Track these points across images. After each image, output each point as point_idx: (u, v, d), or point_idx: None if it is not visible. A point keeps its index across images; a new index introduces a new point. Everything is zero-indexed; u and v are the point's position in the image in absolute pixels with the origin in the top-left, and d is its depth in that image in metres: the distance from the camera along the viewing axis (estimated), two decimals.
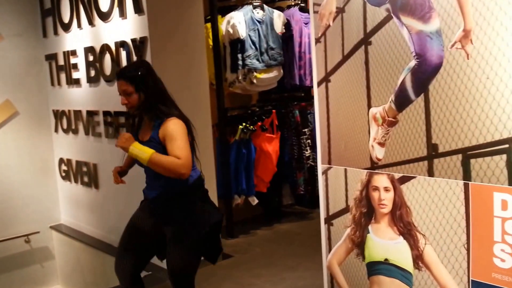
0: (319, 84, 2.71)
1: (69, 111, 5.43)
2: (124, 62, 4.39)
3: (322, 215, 2.88)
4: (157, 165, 2.68)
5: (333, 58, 2.59)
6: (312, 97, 2.81)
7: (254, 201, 5.34)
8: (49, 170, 5.98)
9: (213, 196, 4.79)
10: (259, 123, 5.23)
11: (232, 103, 5.41)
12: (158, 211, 2.94)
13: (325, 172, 2.79)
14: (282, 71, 5.21)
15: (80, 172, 5.47)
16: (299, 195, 5.75)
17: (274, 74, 5.13)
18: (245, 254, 4.85)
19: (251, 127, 5.13)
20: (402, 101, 2.29)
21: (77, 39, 5.05)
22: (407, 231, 2.44)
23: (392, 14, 2.28)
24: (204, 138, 4.61)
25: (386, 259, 2.56)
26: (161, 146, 2.77)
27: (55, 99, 5.71)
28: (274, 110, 5.35)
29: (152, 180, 2.94)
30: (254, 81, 4.98)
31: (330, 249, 2.88)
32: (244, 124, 5.10)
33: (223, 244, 4.94)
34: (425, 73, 2.17)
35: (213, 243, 3.11)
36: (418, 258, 2.41)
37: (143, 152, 2.69)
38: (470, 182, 2.10)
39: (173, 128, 2.76)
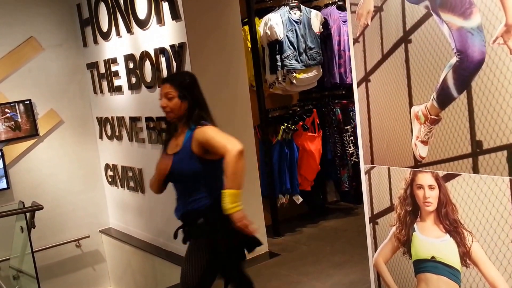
0: (359, 84, 2.74)
1: (112, 118, 5.60)
2: (164, 68, 4.50)
3: (367, 214, 2.91)
4: (236, 179, 2.68)
5: (373, 58, 2.61)
6: (353, 94, 2.84)
7: (299, 199, 5.39)
8: (96, 176, 6.17)
9: (258, 196, 4.87)
10: (301, 123, 5.28)
11: (273, 104, 5.48)
12: (184, 231, 2.99)
13: (368, 172, 2.82)
14: (321, 70, 5.24)
15: (126, 177, 5.63)
16: (344, 191, 5.77)
17: (313, 73, 5.16)
18: (291, 252, 4.91)
19: (293, 127, 5.18)
20: (444, 98, 2.30)
21: (117, 47, 5.20)
22: (453, 228, 2.45)
23: (431, 11, 2.29)
24: (246, 140, 4.69)
25: (433, 257, 2.58)
26: (191, 156, 2.80)
27: (98, 106, 5.89)
28: (314, 109, 5.38)
29: (179, 200, 2.99)
30: (294, 81, 5.03)
31: (376, 248, 2.90)
32: (285, 124, 5.16)
33: (270, 242, 5.06)
34: (467, 70, 2.18)
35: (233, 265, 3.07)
36: (466, 255, 2.41)
37: (230, 196, 2.67)
38: None
39: (206, 132, 2.78)
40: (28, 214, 4.46)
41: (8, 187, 5.60)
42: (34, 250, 5.35)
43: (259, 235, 4.82)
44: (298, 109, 5.45)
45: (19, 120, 5.62)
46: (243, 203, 4.67)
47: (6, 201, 5.58)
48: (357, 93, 2.76)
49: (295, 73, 5.01)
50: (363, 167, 2.84)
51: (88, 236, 6.19)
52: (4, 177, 5.55)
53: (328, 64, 5.30)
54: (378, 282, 2.94)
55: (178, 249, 4.98)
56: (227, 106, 4.51)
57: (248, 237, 2.91)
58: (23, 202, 5.17)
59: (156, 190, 3.12)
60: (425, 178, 2.52)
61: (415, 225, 2.63)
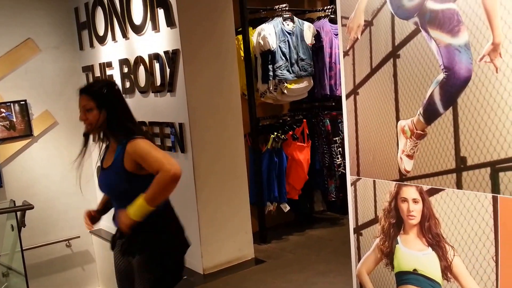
0: (347, 96, 2.71)
1: None
2: (157, 74, 4.46)
3: (351, 225, 2.87)
4: (157, 196, 2.46)
5: (362, 71, 2.58)
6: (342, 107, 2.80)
7: (286, 208, 5.35)
8: (88, 178, 6.10)
9: (246, 203, 4.82)
10: (290, 132, 5.24)
11: (264, 112, 5.44)
12: (125, 243, 2.69)
13: (354, 183, 2.78)
14: (312, 81, 5.21)
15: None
16: (331, 201, 5.73)
17: (304, 84, 5.14)
18: (277, 259, 4.86)
19: (283, 136, 5.14)
20: (430, 114, 2.27)
21: (112, 51, 5.15)
22: (435, 242, 2.41)
23: (420, 27, 2.27)
24: (236, 147, 4.66)
25: (415, 270, 2.54)
26: (122, 171, 2.56)
27: None
28: (304, 120, 5.35)
29: (116, 207, 2.74)
30: (285, 91, 5.00)
31: (359, 258, 2.86)
32: (275, 133, 5.12)
33: (256, 249, 5.01)
34: (453, 86, 2.15)
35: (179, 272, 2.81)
36: (447, 269, 2.38)
37: (140, 206, 2.44)
38: (498, 195, 2.07)
39: (139, 146, 2.52)
40: (19, 213, 4.39)
41: (1, 185, 5.52)
42: (24, 249, 5.27)
43: (246, 242, 4.81)
44: (289, 118, 5.42)
45: (14, 120, 5.55)
46: (232, 209, 4.66)
47: None
48: (346, 106, 2.73)
49: (287, 83, 4.98)
50: (349, 178, 2.81)
51: (79, 237, 6.11)
52: None
53: (319, 75, 5.28)
54: None
55: None
56: (219, 114, 4.47)
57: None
58: (14, 201, 5.10)
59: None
60: (410, 192, 2.49)
61: (398, 238, 2.59)
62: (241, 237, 4.77)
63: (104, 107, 2.60)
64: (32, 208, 4.24)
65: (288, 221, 5.80)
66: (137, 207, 2.44)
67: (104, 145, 2.83)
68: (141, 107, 4.82)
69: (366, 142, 2.65)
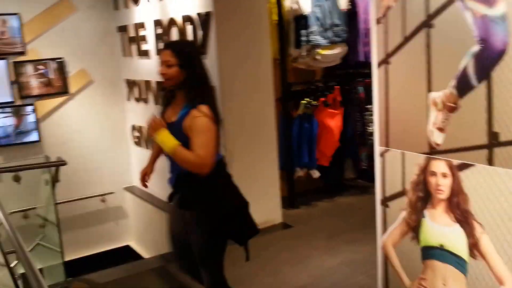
0: (379, 65, 2.60)
1: (140, 81, 5.55)
2: (190, 36, 4.39)
3: (378, 196, 2.80)
4: (179, 158, 2.58)
5: (394, 40, 2.46)
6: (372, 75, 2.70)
7: (316, 174, 5.30)
8: (123, 136, 6.16)
9: (275, 167, 4.78)
10: (322, 99, 5.14)
11: (296, 78, 5.34)
12: (180, 199, 2.80)
13: (382, 154, 2.70)
14: (346, 47, 5.06)
15: (150, 140, 5.60)
16: (361, 169, 5.65)
17: (337, 50, 5.00)
18: (305, 225, 4.84)
19: (314, 102, 5.05)
20: (463, 86, 2.16)
21: (146, 12, 5.10)
22: (463, 218, 2.33)
23: None
24: (266, 112, 4.59)
25: (441, 245, 2.47)
26: (181, 133, 2.61)
27: (127, 69, 5.84)
28: (337, 86, 5.23)
29: (172, 165, 2.80)
30: (318, 57, 4.88)
31: (385, 230, 2.81)
32: (307, 99, 5.03)
33: (285, 214, 4.99)
34: (488, 59, 2.02)
35: (240, 226, 2.88)
36: (474, 247, 2.30)
37: (169, 141, 2.58)
38: None
39: (200, 122, 2.58)
40: (53, 169, 4.47)
41: (39, 140, 5.64)
42: (60, 202, 5.43)
43: (274, 206, 4.80)
44: (321, 85, 5.31)
45: (51, 77, 5.61)
46: (260, 173, 4.63)
47: (36, 153, 5.61)
48: (377, 75, 2.62)
49: (319, 49, 4.85)
50: (377, 149, 2.72)
51: (113, 193, 6.23)
52: (36, 131, 5.59)
53: (353, 41, 5.12)
54: (385, 265, 2.85)
55: None
56: (250, 78, 4.41)
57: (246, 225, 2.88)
58: (48, 157, 5.19)
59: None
60: (439, 166, 2.39)
61: (425, 212, 2.52)
62: (269, 202, 4.76)
63: (185, 66, 2.65)
64: (65, 164, 4.30)
65: (318, 188, 5.75)
66: (167, 141, 2.59)
67: (165, 100, 2.87)
68: None
69: (396, 113, 2.56)
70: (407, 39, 2.40)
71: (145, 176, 3.16)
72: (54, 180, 4.45)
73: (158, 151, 3.12)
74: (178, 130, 2.62)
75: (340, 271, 3.84)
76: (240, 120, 4.41)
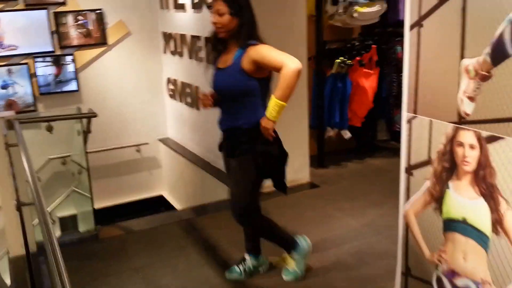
0: (411, 27, 2.42)
1: (175, 34, 5.45)
2: None
3: (403, 164, 2.66)
4: (287, 91, 2.65)
5: (428, 1, 2.27)
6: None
7: (346, 134, 5.16)
8: (158, 88, 6.14)
9: (304, 125, 4.66)
10: (358, 58, 4.94)
11: (332, 35, 5.13)
12: (228, 145, 2.97)
13: (409, 121, 2.55)
14: (385, 5, 4.80)
15: (184, 93, 5.55)
16: (395, 131, 5.47)
17: (376, 8, 4.75)
18: (332, 185, 4.76)
19: (349, 61, 4.86)
20: (498, 54, 1.97)
21: None
22: (488, 193, 2.19)
23: None
24: None
25: (464, 218, 2.34)
26: (240, 73, 2.73)
27: (164, 21, 5.75)
28: (374, 46, 5.00)
29: (224, 114, 2.96)
30: (355, 15, 4.66)
31: (408, 199, 2.69)
32: (341, 58, 4.83)
33: (313, 173, 4.90)
34: None
35: (278, 176, 3.01)
36: (498, 223, 2.16)
37: (276, 105, 2.67)
38: None
39: (261, 48, 2.71)
40: (85, 120, 4.49)
41: (78, 89, 5.68)
42: (93, 151, 5.53)
43: (302, 165, 4.71)
44: (357, 43, 5.08)
45: (90, 28, 5.58)
46: (290, 131, 4.53)
47: (75, 102, 5.68)
48: (408, 37, 2.45)
49: (357, 6, 4.62)
50: (405, 115, 2.57)
51: (147, 143, 6.27)
52: (75, 80, 5.62)
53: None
54: (406, 234, 2.75)
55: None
56: (281, 34, 4.24)
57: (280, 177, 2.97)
58: (79, 108, 5.22)
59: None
60: (467, 136, 2.24)
61: (450, 183, 2.38)
62: (298, 160, 4.67)
63: (236, 14, 2.73)
64: (96, 116, 4.30)
65: (349, 148, 5.62)
66: (273, 107, 2.67)
67: (217, 50, 2.93)
68: (208, 22, 4.66)
69: (426, 78, 2.39)
70: (442, 1, 2.21)
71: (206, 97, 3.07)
72: (86, 131, 4.47)
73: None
74: (235, 71, 2.73)
75: (362, 233, 3.76)
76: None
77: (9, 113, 4.88)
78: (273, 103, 2.67)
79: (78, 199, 5.22)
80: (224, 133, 3.00)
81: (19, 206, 2.64)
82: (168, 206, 6.33)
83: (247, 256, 3.25)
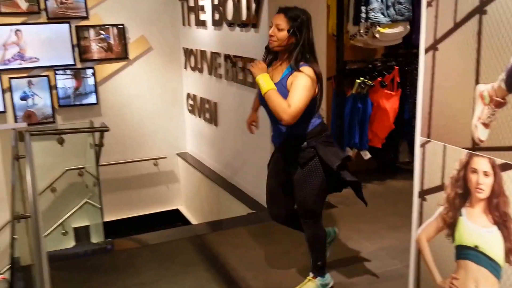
0: (426, 51, 2.43)
1: (196, 50, 5.54)
2: (243, 9, 4.31)
3: (416, 188, 2.67)
4: (270, 100, 2.74)
5: (444, 25, 2.29)
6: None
7: (366, 155, 5.14)
8: (178, 103, 6.24)
9: None
10: (379, 79, 4.94)
11: (354, 55, 5.14)
12: (285, 157, 3.06)
13: (423, 145, 2.55)
14: (408, 27, 4.81)
15: (203, 108, 5.63)
16: None
17: (399, 29, 4.75)
18: (350, 206, 4.73)
19: (369, 82, 4.86)
20: None
21: None
22: (502, 221, 2.17)
23: None
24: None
25: (476, 246, 2.33)
26: (285, 90, 2.80)
27: (185, 37, 5.85)
28: (396, 67, 5.00)
29: (274, 125, 3.02)
30: (377, 35, 4.66)
31: (421, 224, 2.68)
32: (362, 78, 4.84)
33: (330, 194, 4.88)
34: None
35: (340, 179, 3.10)
36: (511, 252, 2.15)
37: (267, 84, 2.75)
38: None
39: (301, 79, 2.76)
40: (98, 134, 4.58)
41: (97, 102, 5.79)
42: (114, 163, 5.70)
43: None
44: (379, 64, 5.08)
45: (112, 42, 5.71)
46: None
47: (94, 115, 5.80)
48: (423, 60, 2.46)
49: (379, 27, 4.63)
50: (418, 140, 2.58)
51: (166, 157, 6.35)
52: (94, 93, 5.74)
53: (418, 21, 4.84)
54: (418, 259, 2.73)
55: (240, 184, 4.97)
56: None
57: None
58: (92, 121, 5.33)
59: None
60: (481, 163, 2.23)
61: (463, 210, 2.37)
62: None
63: (294, 33, 2.80)
64: (108, 130, 4.40)
65: (369, 169, 5.59)
66: (264, 83, 2.75)
67: (268, 61, 3.01)
68: (228, 40, 4.74)
69: (441, 103, 2.39)
70: (457, 25, 2.22)
71: (252, 123, 3.34)
72: (99, 144, 4.55)
73: (258, 103, 3.29)
74: (283, 88, 2.80)
75: (377, 257, 3.74)
76: None
77: (21, 125, 5.00)
78: (268, 86, 2.75)
79: (92, 211, 5.32)
80: (280, 147, 3.08)
81: (14, 219, 2.70)
82: (185, 220, 6.38)
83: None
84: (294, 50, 2.81)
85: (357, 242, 3.98)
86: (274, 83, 2.82)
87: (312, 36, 2.87)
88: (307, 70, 2.79)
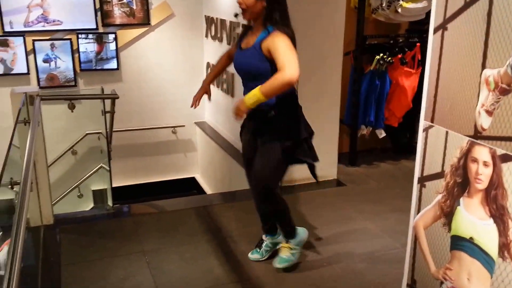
0: (435, 30, 2.26)
1: (216, 19, 5.40)
2: None
3: (416, 174, 2.53)
4: (270, 91, 2.61)
5: (454, 3, 2.11)
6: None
7: (381, 134, 4.98)
8: (198, 72, 6.13)
9: (335, 121, 4.51)
10: (399, 56, 4.72)
11: (376, 30, 4.93)
12: (252, 125, 2.97)
13: (426, 130, 2.40)
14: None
15: (221, 79, 5.51)
16: None
17: (423, 4, 4.51)
18: (359, 185, 4.61)
19: (389, 59, 4.65)
20: None
21: None
22: (499, 214, 2.03)
23: None
24: (332, 63, 4.29)
25: (471, 238, 2.19)
26: (259, 54, 2.71)
27: (207, 5, 5.71)
28: (419, 43, 4.77)
29: (246, 92, 2.88)
30: (399, 10, 4.43)
31: (419, 210, 2.55)
32: (381, 54, 4.64)
33: (341, 171, 4.76)
34: None
35: (305, 154, 2.99)
36: (505, 247, 2.01)
37: (255, 95, 2.61)
38: None
39: (277, 39, 2.64)
40: (110, 101, 4.53)
41: (118, 68, 5.74)
42: (132, 129, 5.80)
43: (329, 162, 4.58)
44: (401, 40, 4.86)
45: (134, 7, 5.61)
46: (319, 126, 4.40)
47: (114, 80, 5.75)
48: (432, 40, 2.29)
49: (402, 1, 4.39)
50: (422, 124, 2.43)
51: (184, 126, 6.29)
52: (116, 59, 5.68)
53: None
54: (414, 246, 2.62)
55: None
56: (319, 25, 4.11)
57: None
58: (102, 88, 5.28)
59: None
60: (481, 153, 2.08)
61: (461, 199, 2.23)
62: (325, 157, 4.54)
63: None
64: (117, 97, 4.33)
65: (384, 147, 5.44)
66: (252, 96, 2.61)
67: (243, 30, 2.95)
68: None
69: (446, 86, 2.23)
70: (468, 4, 2.04)
71: (196, 101, 3.34)
72: (110, 111, 4.51)
73: (215, 75, 3.31)
74: (255, 53, 2.72)
75: (378, 238, 3.63)
76: (303, 68, 4.17)
77: (32, 88, 4.99)
78: (256, 93, 2.61)
79: (107, 175, 5.32)
80: (249, 115, 2.96)
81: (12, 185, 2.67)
82: (200, 189, 6.35)
83: (264, 237, 3.31)
84: (268, 14, 2.70)
85: (359, 223, 3.87)
86: (248, 48, 2.77)
87: (283, 1, 2.74)
88: (277, 33, 2.67)
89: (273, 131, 2.87)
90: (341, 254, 3.39)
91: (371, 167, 5.05)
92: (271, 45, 2.66)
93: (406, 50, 4.79)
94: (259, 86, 2.62)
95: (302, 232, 3.23)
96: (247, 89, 2.86)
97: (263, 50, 2.71)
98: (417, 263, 2.59)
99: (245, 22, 2.92)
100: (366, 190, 4.49)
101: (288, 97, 2.84)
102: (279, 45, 2.62)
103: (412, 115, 5.13)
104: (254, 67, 2.78)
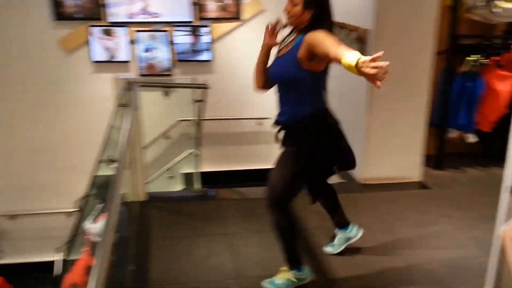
0: None
1: None
2: None
3: (506, 182, 2.39)
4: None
5: None
6: None
7: (470, 138, 4.74)
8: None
9: (422, 124, 4.33)
10: (495, 58, 4.45)
11: (471, 29, 4.67)
12: (284, 136, 2.81)
13: None
14: None
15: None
16: None
17: None
18: (444, 189, 4.44)
19: (484, 60, 4.39)
20: None
21: None
22: None
23: None
24: (421, 63, 4.12)
25: None
26: (294, 60, 2.52)
27: None
28: None
29: (281, 105, 2.78)
30: (496, 9, 4.16)
31: (507, 220, 2.41)
32: (474, 56, 4.39)
33: (426, 173, 4.57)
34: None
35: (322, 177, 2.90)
36: None
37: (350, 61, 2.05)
38: None
39: (318, 33, 2.40)
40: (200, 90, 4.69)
41: (211, 59, 5.88)
42: (220, 118, 5.94)
43: (413, 164, 4.42)
44: (499, 41, 4.56)
45: (227, 2, 5.71)
46: (405, 127, 4.27)
47: (208, 71, 5.90)
48: None
49: (500, 0, 4.13)
50: None
51: (269, 118, 6.32)
52: (209, 51, 5.82)
53: None
54: (500, 257, 2.48)
55: None
56: (410, 23, 3.97)
57: (345, 156, 2.81)
58: (194, 79, 5.43)
59: (258, 84, 2.96)
60: None
61: None
62: (409, 158, 4.41)
63: (310, 7, 2.52)
64: (207, 88, 4.45)
65: (474, 152, 5.16)
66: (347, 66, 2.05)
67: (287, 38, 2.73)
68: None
69: None
70: None
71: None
72: (200, 100, 4.65)
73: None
74: (290, 59, 2.55)
75: (463, 246, 3.45)
76: (392, 67, 4.04)
77: (130, 75, 5.21)
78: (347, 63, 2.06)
79: (194, 160, 5.54)
80: (280, 125, 2.84)
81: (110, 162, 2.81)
82: None
83: (336, 232, 3.26)
84: (311, 24, 2.50)
85: (443, 227, 3.71)
86: (284, 54, 2.62)
87: (329, 12, 2.55)
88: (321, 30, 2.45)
89: (295, 144, 2.72)
90: (422, 257, 3.28)
91: (458, 172, 4.82)
92: (311, 40, 2.42)
93: (502, 52, 4.51)
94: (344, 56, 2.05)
95: (307, 271, 2.94)
96: (281, 100, 2.75)
97: (300, 56, 2.50)
98: (503, 275, 2.46)
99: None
100: (452, 194, 4.29)
101: (316, 113, 2.67)
102: (320, 36, 2.37)
103: (508, 121, 4.83)
104: (283, 73, 2.64)
